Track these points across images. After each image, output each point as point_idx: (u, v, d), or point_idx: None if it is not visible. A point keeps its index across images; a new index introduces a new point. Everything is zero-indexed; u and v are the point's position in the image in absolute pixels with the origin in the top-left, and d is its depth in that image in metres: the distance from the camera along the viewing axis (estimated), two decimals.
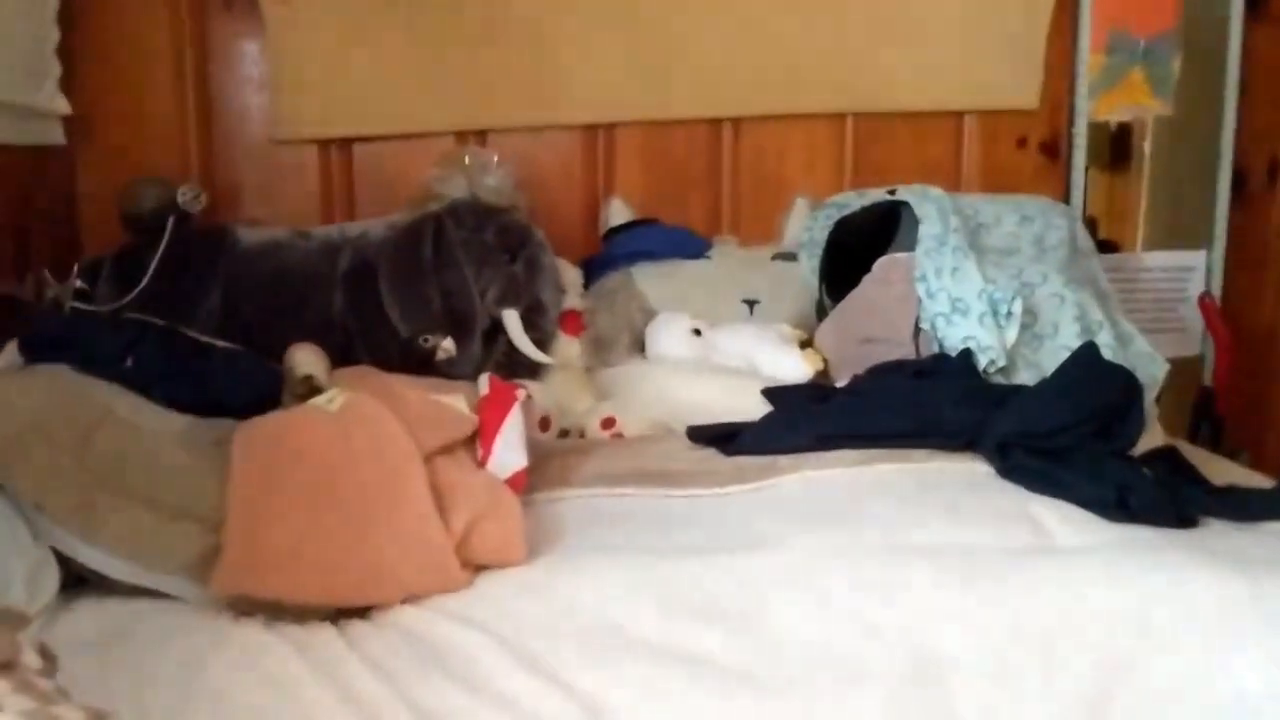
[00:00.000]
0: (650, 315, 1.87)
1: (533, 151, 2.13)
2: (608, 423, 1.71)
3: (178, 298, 1.75)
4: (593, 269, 1.99)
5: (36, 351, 1.30)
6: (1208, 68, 2.26)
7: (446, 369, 1.73)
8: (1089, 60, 2.21)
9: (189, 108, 2.05)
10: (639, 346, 1.86)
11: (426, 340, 1.74)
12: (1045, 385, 1.51)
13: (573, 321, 1.88)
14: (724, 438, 1.54)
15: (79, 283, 1.78)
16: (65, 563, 1.14)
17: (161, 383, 1.28)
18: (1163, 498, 1.27)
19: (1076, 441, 1.37)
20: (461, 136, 2.11)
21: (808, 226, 2.06)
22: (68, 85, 1.92)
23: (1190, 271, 2.30)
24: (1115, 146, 2.28)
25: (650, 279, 1.92)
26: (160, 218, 1.82)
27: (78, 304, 1.76)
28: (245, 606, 1.09)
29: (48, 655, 0.70)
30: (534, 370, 1.80)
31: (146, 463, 1.15)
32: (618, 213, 2.09)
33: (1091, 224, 2.22)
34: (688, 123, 2.18)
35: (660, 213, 2.11)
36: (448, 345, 1.75)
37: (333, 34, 2.05)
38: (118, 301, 1.75)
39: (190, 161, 2.06)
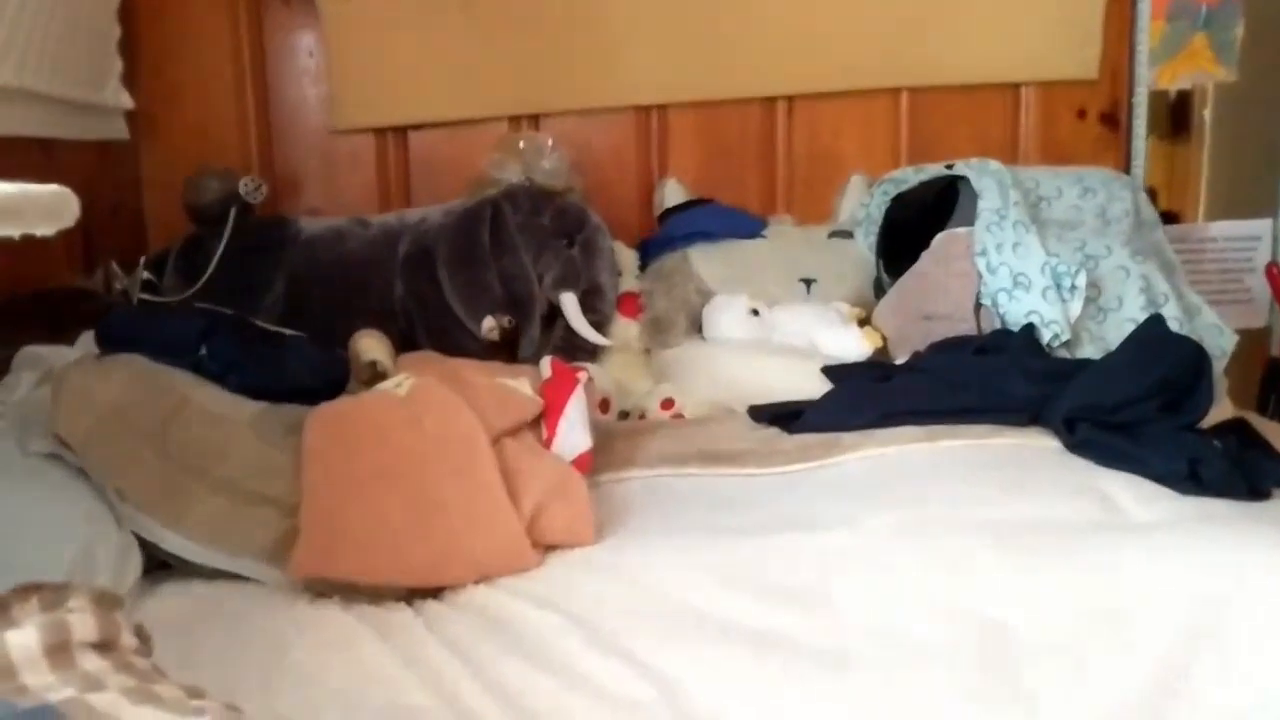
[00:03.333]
0: (707, 296, 1.87)
1: (586, 134, 2.13)
2: (667, 404, 1.71)
3: (242, 287, 1.79)
4: (649, 250, 1.99)
5: (112, 342, 1.32)
6: (1271, 32, 2.21)
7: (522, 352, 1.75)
8: (1150, 27, 2.17)
9: (248, 100, 2.08)
10: (697, 327, 1.86)
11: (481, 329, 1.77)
12: (1112, 358, 1.49)
13: (630, 304, 1.88)
14: (786, 417, 1.54)
15: (146, 274, 1.82)
16: (146, 547, 1.17)
17: (235, 371, 1.31)
18: (1234, 470, 1.25)
19: (1145, 415, 1.35)
20: (515, 121, 2.12)
21: (864, 203, 2.05)
22: (130, 81, 1.95)
23: (1256, 240, 2.26)
24: (1174, 115, 2.24)
25: (706, 259, 1.91)
26: (223, 209, 1.85)
27: (145, 295, 1.80)
28: (322, 588, 1.11)
29: (143, 635, 0.72)
30: (592, 353, 1.82)
31: (224, 449, 1.17)
32: (673, 194, 2.09)
33: (1151, 194, 2.17)
34: (741, 102, 2.17)
35: (715, 193, 2.11)
36: (488, 323, 1.76)
37: (387, 23, 2.06)
38: (184, 292, 1.79)
39: (250, 153, 2.09)
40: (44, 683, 0.63)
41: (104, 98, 1.88)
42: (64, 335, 1.49)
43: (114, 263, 1.81)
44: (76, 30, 1.71)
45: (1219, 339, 1.76)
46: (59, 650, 0.65)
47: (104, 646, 0.68)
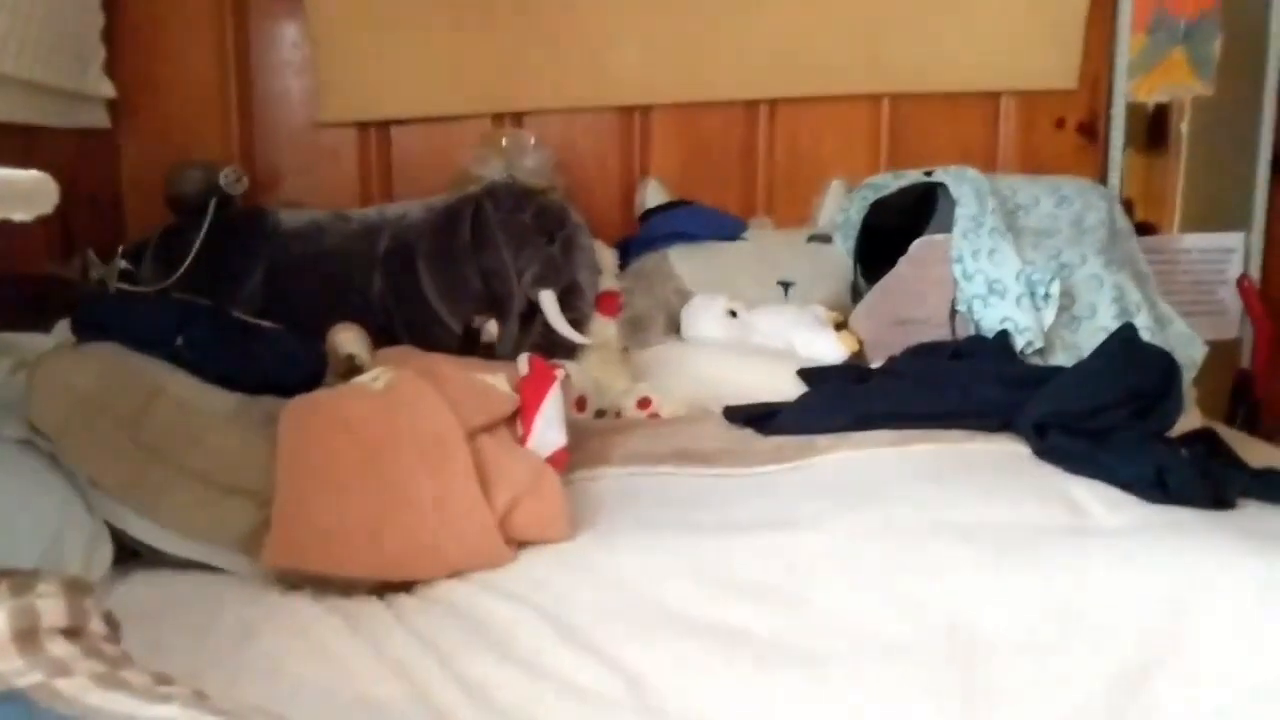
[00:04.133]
0: (686, 296, 1.88)
1: (569, 133, 2.14)
2: (644, 403, 1.72)
3: (221, 278, 1.78)
4: (629, 250, 1.99)
5: (88, 330, 1.32)
6: (1248, 48, 2.24)
7: (500, 351, 1.75)
8: (1130, 40, 2.19)
9: (230, 91, 2.07)
10: (675, 327, 1.86)
11: (474, 322, 1.76)
12: (1083, 366, 1.51)
13: (609, 302, 1.89)
14: (761, 418, 1.55)
15: (124, 263, 1.81)
16: (117, 536, 1.17)
17: (211, 361, 1.30)
18: (1200, 479, 1.27)
19: (1114, 422, 1.37)
20: (498, 119, 2.12)
21: (843, 208, 2.06)
22: (111, 68, 1.94)
23: (1229, 253, 2.29)
24: (1152, 128, 2.27)
25: (686, 260, 1.92)
26: (203, 200, 1.85)
27: (123, 284, 1.79)
28: (293, 580, 1.12)
29: (112, 622, 0.72)
30: (570, 351, 1.82)
31: (199, 439, 1.17)
32: (654, 194, 2.10)
33: (1128, 206, 2.20)
34: (724, 104, 2.18)
35: (696, 194, 2.11)
36: (490, 328, 1.77)
37: (372, 18, 2.06)
38: (162, 282, 1.78)
39: (231, 144, 2.08)
40: (12, 667, 0.63)
41: (86, 85, 1.87)
42: (40, 323, 1.49)
43: (91, 251, 1.80)
44: (60, 17, 1.70)
45: (1190, 349, 1.78)
46: (27, 635, 0.65)
47: (73, 632, 0.68)
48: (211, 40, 2.06)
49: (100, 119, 1.96)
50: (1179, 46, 2.20)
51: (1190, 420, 1.56)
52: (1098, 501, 1.23)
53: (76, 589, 0.70)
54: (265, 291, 1.79)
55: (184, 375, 1.26)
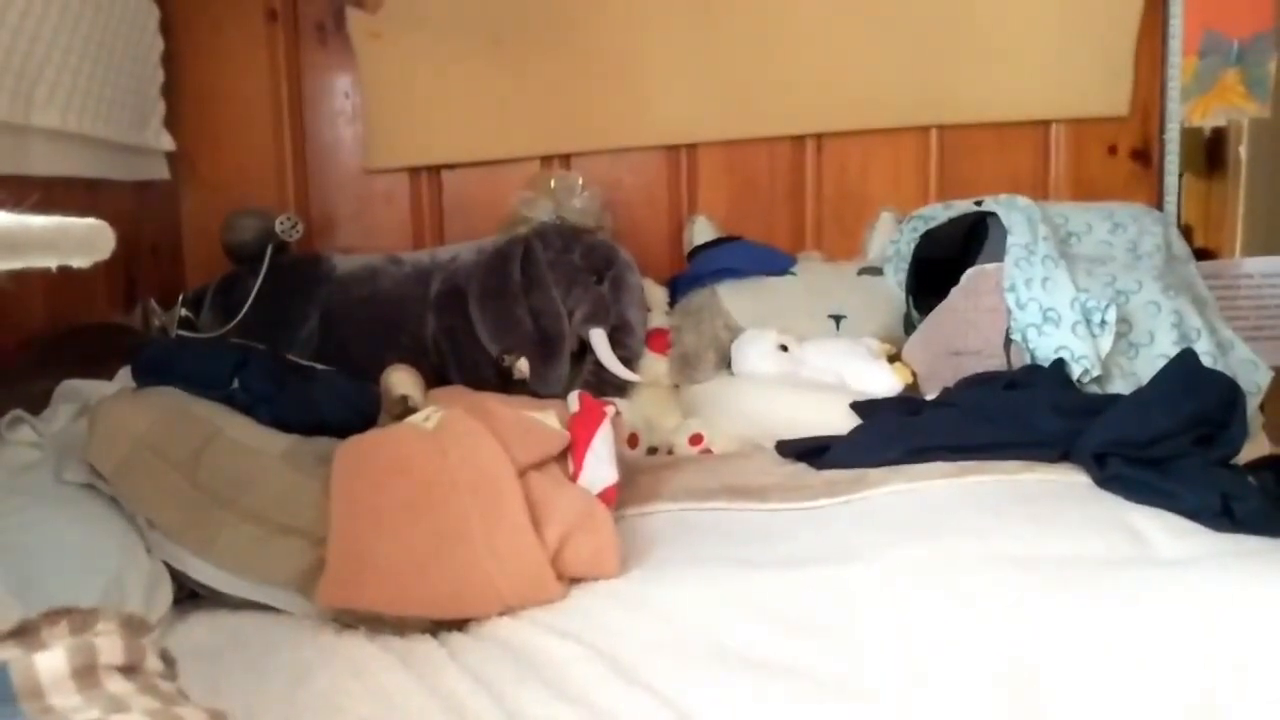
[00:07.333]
0: (736, 332, 1.87)
1: (617, 173, 2.16)
2: (695, 439, 1.72)
3: (277, 323, 1.81)
4: (678, 287, 2.00)
5: (147, 375, 1.35)
6: None
7: (533, 387, 1.76)
8: (1181, 64, 2.17)
9: (285, 141, 2.12)
10: (725, 363, 1.86)
11: (504, 360, 1.77)
12: (1142, 393, 1.48)
13: (659, 340, 1.89)
14: (814, 452, 1.54)
15: (184, 311, 1.85)
16: (177, 576, 1.18)
17: (266, 403, 1.33)
18: (1270, 507, 1.23)
19: (1176, 450, 1.34)
20: (547, 161, 2.14)
21: (894, 240, 2.05)
22: (171, 123, 2.00)
23: None
24: (1210, 152, 2.23)
25: (735, 296, 1.92)
26: (259, 247, 1.89)
27: (183, 331, 1.83)
28: (348, 619, 1.12)
29: (169, 659, 0.73)
30: (621, 388, 1.83)
31: (254, 480, 1.19)
32: (702, 231, 2.11)
33: (1187, 232, 2.16)
34: (770, 140, 2.18)
35: (744, 230, 2.12)
36: (522, 365, 1.78)
37: (421, 66, 2.10)
38: (220, 328, 1.82)
39: (287, 192, 2.13)
40: (70, 704, 0.64)
41: (146, 140, 1.92)
42: (103, 370, 1.52)
43: (152, 300, 1.84)
44: (122, 76, 1.76)
45: (1254, 375, 1.73)
46: (86, 672, 0.66)
47: (130, 669, 0.68)
48: (267, 93, 2.12)
49: (161, 171, 2.01)
50: (1232, 69, 2.16)
51: (1257, 447, 1.52)
52: (1161, 531, 1.20)
53: (134, 626, 0.71)
54: (321, 335, 1.82)
55: (239, 418, 1.29)
